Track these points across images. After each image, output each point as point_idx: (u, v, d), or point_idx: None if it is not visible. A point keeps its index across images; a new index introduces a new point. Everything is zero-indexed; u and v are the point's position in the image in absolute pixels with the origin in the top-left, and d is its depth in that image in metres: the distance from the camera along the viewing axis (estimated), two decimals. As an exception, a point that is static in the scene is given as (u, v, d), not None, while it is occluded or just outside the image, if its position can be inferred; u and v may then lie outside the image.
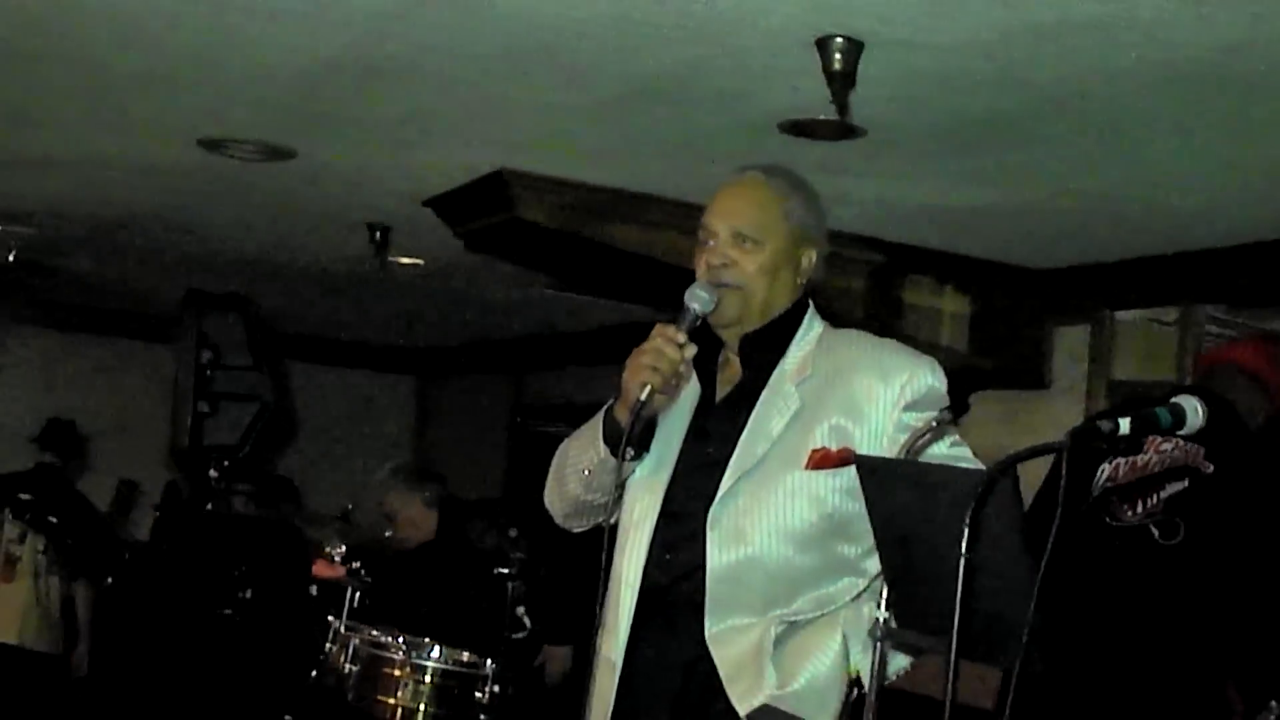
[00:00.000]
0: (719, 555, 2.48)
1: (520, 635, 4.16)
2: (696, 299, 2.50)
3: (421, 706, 4.08)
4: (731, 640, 2.46)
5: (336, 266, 7.07)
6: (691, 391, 2.61)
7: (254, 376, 6.57)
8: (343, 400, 10.77)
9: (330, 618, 4.46)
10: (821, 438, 2.47)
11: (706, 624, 2.48)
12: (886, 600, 2.25)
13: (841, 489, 2.45)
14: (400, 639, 4.19)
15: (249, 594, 6.41)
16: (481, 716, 4.10)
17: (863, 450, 2.44)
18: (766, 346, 2.58)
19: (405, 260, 6.51)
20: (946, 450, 2.48)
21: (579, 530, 2.81)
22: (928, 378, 2.52)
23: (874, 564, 2.44)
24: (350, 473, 9.52)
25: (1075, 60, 3.07)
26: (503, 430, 10.04)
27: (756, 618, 2.47)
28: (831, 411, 2.49)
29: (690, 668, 2.50)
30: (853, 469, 2.36)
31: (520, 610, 4.22)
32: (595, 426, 2.58)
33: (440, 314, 8.65)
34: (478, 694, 4.10)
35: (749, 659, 2.45)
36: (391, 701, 4.12)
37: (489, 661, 4.14)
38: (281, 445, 9.18)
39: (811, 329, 2.61)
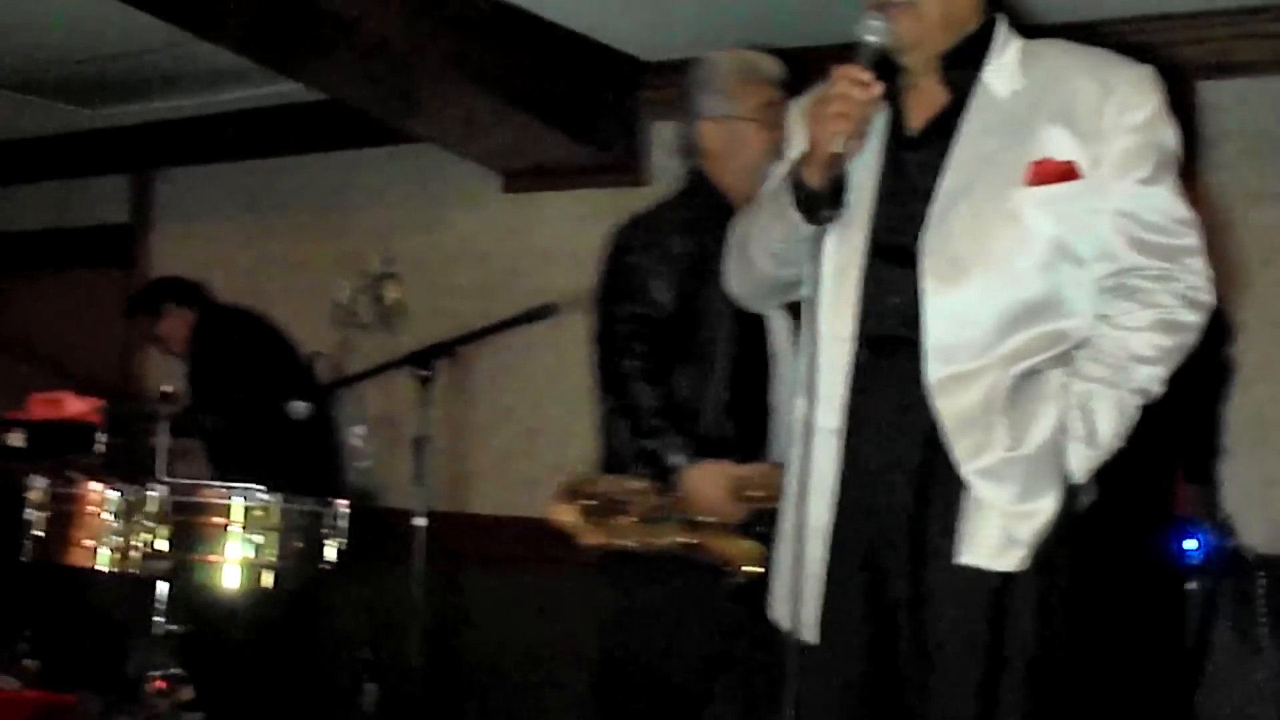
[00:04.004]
0: (936, 289, 2.27)
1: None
2: (869, 29, 2.28)
3: (256, 555, 3.33)
4: (956, 389, 2.26)
5: None
6: (876, 129, 2.39)
7: None
8: None
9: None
10: (1041, 150, 2.28)
11: (926, 370, 2.26)
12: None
13: (1067, 203, 2.27)
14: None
15: None
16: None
17: (1084, 165, 2.28)
18: (964, 63, 2.37)
19: None
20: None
21: (773, 310, 2.90)
22: (1150, 88, 2.31)
23: (1098, 296, 2.31)
24: None
25: None
26: None
27: (983, 360, 2.25)
28: (1048, 122, 2.30)
29: (933, 428, 2.27)
30: (1077, 184, 2.26)
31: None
32: (777, 198, 2.37)
33: None
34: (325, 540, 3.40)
35: (977, 411, 2.25)
36: (213, 558, 3.34)
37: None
38: None
39: (1009, 41, 2.39)
